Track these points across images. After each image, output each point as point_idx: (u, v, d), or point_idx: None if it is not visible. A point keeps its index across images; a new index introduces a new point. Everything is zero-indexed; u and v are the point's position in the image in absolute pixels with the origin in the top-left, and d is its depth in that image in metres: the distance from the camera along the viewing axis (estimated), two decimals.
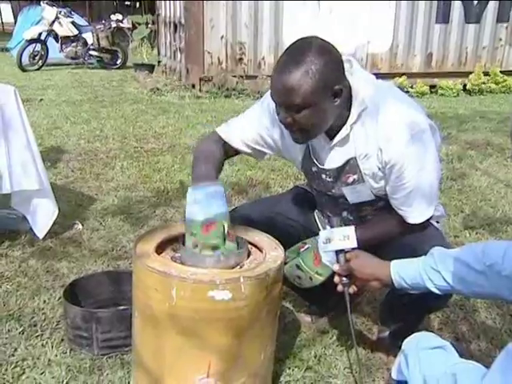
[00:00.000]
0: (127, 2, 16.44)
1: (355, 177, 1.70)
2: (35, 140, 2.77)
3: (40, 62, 10.30)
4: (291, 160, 1.91)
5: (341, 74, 1.56)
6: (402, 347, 1.38)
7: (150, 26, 12.13)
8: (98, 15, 15.14)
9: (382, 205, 1.75)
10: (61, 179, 3.93)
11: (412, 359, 1.31)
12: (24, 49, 9.98)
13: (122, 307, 2.02)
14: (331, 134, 1.68)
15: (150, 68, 9.49)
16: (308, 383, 1.87)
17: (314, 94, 1.50)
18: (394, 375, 1.42)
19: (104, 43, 10.69)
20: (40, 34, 10.26)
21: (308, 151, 1.78)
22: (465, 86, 8.49)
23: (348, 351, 2.01)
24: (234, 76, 7.74)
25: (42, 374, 1.86)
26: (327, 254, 1.63)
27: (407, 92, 7.73)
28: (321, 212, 1.97)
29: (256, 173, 4.06)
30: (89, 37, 10.70)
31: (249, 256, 1.65)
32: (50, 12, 10.39)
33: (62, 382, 1.82)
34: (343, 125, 1.64)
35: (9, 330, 2.09)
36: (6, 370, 1.87)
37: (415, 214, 1.67)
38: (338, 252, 1.58)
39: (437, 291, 1.42)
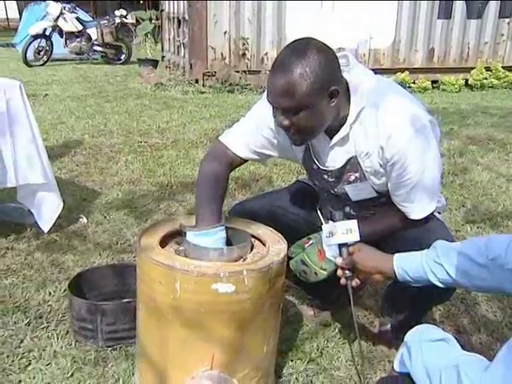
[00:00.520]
0: None
1: (357, 175, 1.71)
2: (40, 134, 2.79)
3: (45, 57, 10.33)
4: (293, 159, 1.92)
5: (337, 75, 1.56)
6: (405, 339, 1.39)
7: (153, 21, 12.13)
8: (103, 11, 15.13)
9: (384, 201, 1.76)
10: (65, 173, 3.96)
11: (415, 351, 1.32)
12: (29, 44, 10.01)
13: (126, 300, 2.04)
14: (331, 134, 1.67)
15: (154, 63, 9.51)
16: (310, 375, 1.89)
17: (310, 95, 1.49)
18: (397, 367, 1.43)
19: (108, 39, 10.72)
20: (45, 30, 10.30)
21: (308, 151, 1.79)
22: (467, 81, 8.48)
23: (350, 344, 2.03)
24: (237, 71, 7.75)
25: (47, 365, 1.88)
26: (330, 248, 1.64)
27: (409, 87, 7.73)
28: (323, 206, 1.98)
29: (259, 167, 4.08)
30: (93, 32, 10.74)
31: (252, 249, 1.67)
32: (54, 8, 10.42)
33: (68, 373, 1.85)
34: (343, 124, 1.64)
35: (15, 322, 2.12)
36: (13, 361, 1.90)
37: (417, 210, 1.68)
38: (340, 245, 1.59)
39: (439, 284, 1.43)
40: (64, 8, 10.51)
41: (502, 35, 8.77)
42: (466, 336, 2.12)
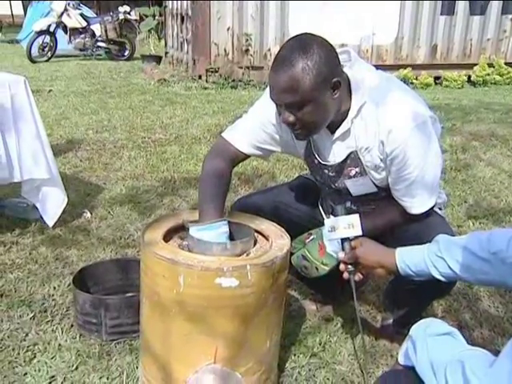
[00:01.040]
0: None
1: (357, 170, 1.71)
2: (44, 130, 2.80)
3: (49, 53, 10.36)
4: (295, 154, 1.93)
5: (337, 67, 1.56)
6: (410, 333, 1.39)
7: (157, 17, 12.13)
8: (107, 7, 15.13)
9: (384, 195, 1.77)
10: (69, 169, 3.97)
11: (420, 345, 1.32)
12: (33, 40, 10.04)
13: (130, 294, 2.06)
14: (332, 129, 1.68)
15: (158, 59, 9.52)
16: (313, 369, 1.90)
17: (313, 89, 1.50)
18: (401, 360, 1.44)
19: (112, 35, 10.74)
20: (49, 26, 10.32)
21: (309, 146, 1.80)
22: (469, 77, 8.47)
23: (353, 338, 2.04)
24: (241, 67, 7.75)
25: (52, 358, 1.90)
26: (332, 243, 1.65)
27: (411, 84, 7.72)
28: (325, 201, 1.99)
29: (262, 163, 4.08)
30: (97, 28, 10.76)
31: (255, 244, 1.68)
32: (58, 4, 10.44)
33: (72, 366, 1.87)
34: (344, 119, 1.65)
35: (20, 316, 2.14)
36: (18, 354, 1.91)
37: (417, 205, 1.69)
38: (343, 240, 1.60)
39: (441, 278, 1.43)
40: (68, 4, 10.54)
41: (505, 31, 8.75)
42: (468, 331, 2.12)
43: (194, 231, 1.62)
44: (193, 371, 1.55)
